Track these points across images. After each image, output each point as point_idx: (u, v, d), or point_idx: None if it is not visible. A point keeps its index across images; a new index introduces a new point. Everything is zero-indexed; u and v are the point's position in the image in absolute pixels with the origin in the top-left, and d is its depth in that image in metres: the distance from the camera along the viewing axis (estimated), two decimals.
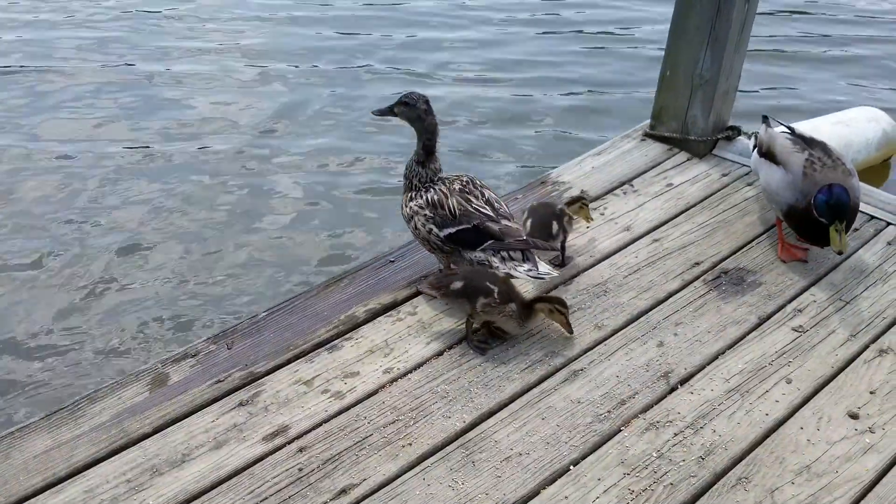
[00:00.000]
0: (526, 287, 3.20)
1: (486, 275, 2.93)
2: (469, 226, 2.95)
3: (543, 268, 2.96)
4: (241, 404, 2.72)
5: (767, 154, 3.44)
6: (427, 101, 3.05)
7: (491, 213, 2.98)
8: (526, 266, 2.93)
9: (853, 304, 3.20)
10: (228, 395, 2.76)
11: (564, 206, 3.34)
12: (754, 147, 3.65)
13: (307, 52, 7.57)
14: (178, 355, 2.91)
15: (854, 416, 2.71)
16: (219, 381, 2.80)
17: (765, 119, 3.67)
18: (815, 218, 3.11)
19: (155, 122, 6.34)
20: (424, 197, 3.04)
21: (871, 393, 2.81)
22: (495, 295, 2.88)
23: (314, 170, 5.79)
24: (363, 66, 7.31)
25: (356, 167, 5.86)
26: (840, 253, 3.10)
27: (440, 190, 3.03)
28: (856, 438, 2.64)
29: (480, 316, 2.94)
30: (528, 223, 3.27)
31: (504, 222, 2.98)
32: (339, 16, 8.37)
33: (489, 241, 2.94)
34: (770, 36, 7.88)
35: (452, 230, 2.97)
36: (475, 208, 2.98)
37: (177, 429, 2.63)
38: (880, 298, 3.23)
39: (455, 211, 2.97)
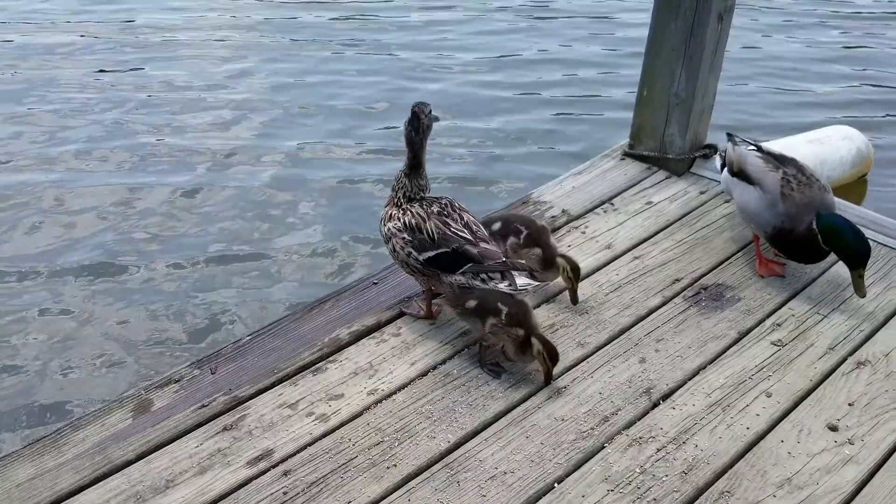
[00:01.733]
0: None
1: (501, 296, 2.94)
2: (448, 250, 2.97)
3: (521, 281, 2.98)
4: (225, 429, 2.72)
5: (739, 173, 3.46)
6: (415, 116, 3.01)
7: (469, 237, 3.00)
8: (504, 283, 2.95)
9: (831, 317, 3.25)
10: (212, 419, 2.76)
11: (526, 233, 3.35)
12: (722, 166, 3.68)
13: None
14: (162, 381, 2.91)
15: (833, 429, 2.74)
16: (203, 406, 2.80)
17: (729, 137, 3.68)
18: (806, 241, 3.19)
19: (132, 144, 6.35)
20: (402, 220, 3.05)
21: (850, 405, 2.84)
22: (503, 316, 2.89)
23: (299, 192, 5.81)
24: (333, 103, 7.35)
25: (345, 186, 5.89)
26: (863, 296, 3.20)
27: (417, 213, 3.04)
28: (835, 450, 2.67)
29: (490, 337, 2.95)
30: (499, 224, 3.35)
31: (483, 245, 3.00)
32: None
33: (468, 265, 2.96)
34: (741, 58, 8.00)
35: (431, 254, 2.98)
36: (453, 232, 3.00)
37: (161, 455, 2.63)
38: (857, 311, 3.27)
39: (433, 235, 2.99)
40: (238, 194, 5.75)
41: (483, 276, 2.96)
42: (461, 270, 2.96)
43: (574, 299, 3.25)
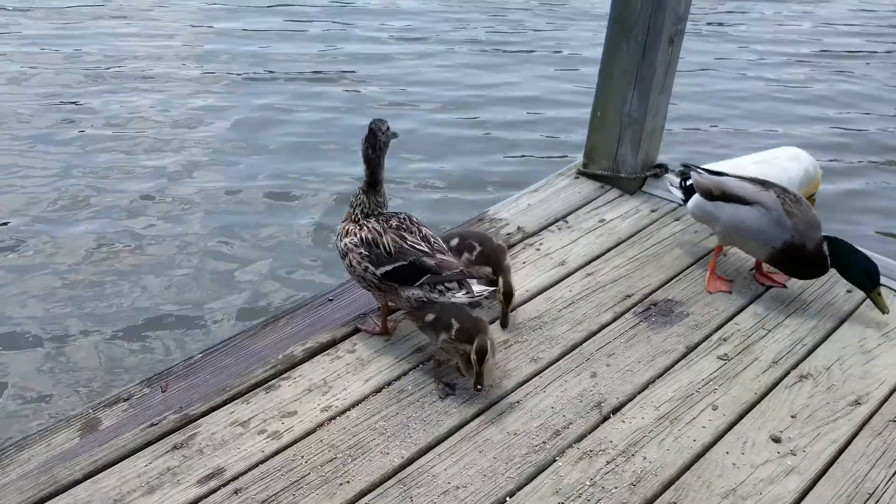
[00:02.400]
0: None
1: (458, 311, 2.96)
2: (405, 262, 2.99)
3: (477, 288, 3.02)
4: (175, 447, 2.71)
5: (725, 197, 3.47)
6: (371, 133, 3.03)
7: (426, 249, 3.03)
8: (462, 292, 2.98)
9: (775, 332, 3.33)
10: (162, 438, 2.74)
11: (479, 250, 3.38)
12: (687, 192, 3.69)
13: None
14: (111, 399, 2.89)
15: (776, 440, 2.81)
16: (152, 425, 2.79)
17: (687, 167, 3.73)
18: (815, 259, 3.32)
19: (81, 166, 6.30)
20: (359, 235, 3.07)
21: (793, 417, 2.91)
22: (453, 332, 2.91)
23: (241, 208, 5.81)
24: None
25: (284, 207, 5.89)
26: (887, 312, 3.37)
27: (374, 228, 3.06)
28: (778, 461, 2.73)
29: (442, 352, 2.98)
30: (456, 240, 3.38)
31: (439, 256, 3.03)
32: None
33: (426, 276, 2.99)
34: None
35: (389, 268, 3.01)
36: (410, 245, 3.02)
37: (109, 474, 2.60)
38: (800, 326, 3.36)
39: (390, 249, 3.01)
40: (192, 207, 5.73)
41: (440, 287, 2.99)
42: (418, 283, 2.99)
43: (504, 323, 3.27)
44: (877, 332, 3.36)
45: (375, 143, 3.04)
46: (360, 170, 3.14)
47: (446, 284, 2.98)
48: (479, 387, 2.86)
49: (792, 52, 9.02)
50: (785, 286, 3.53)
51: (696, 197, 3.61)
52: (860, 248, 3.39)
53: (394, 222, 3.09)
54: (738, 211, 3.42)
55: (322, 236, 5.45)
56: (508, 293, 3.25)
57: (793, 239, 3.31)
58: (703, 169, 3.67)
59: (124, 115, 7.07)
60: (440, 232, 3.35)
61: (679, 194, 3.76)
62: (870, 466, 2.75)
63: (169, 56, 8.29)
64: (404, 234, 3.05)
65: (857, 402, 3.01)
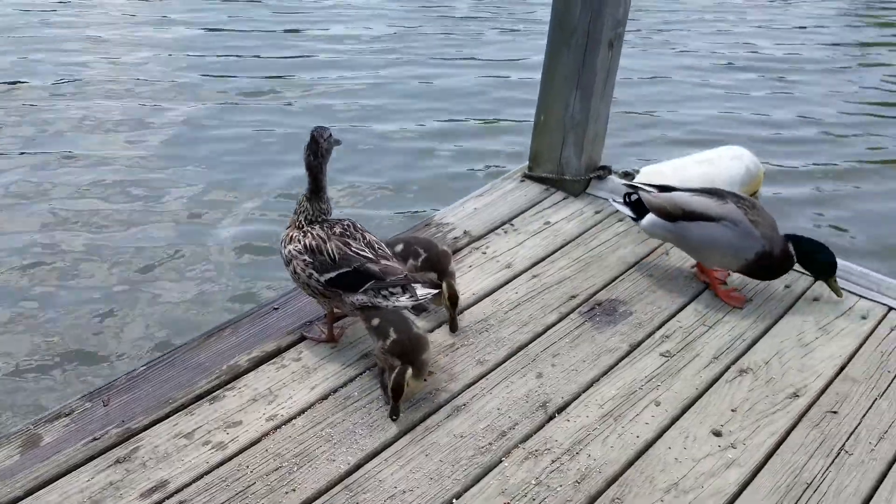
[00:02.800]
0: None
1: (399, 322, 2.95)
2: (349, 269, 3.00)
3: (421, 291, 3.03)
4: (117, 461, 2.68)
5: (687, 216, 3.47)
6: (313, 140, 3.04)
7: (371, 255, 3.03)
8: (406, 296, 2.99)
9: (715, 328, 3.39)
10: (104, 452, 2.71)
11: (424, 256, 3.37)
12: (636, 210, 3.66)
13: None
14: (52, 415, 2.85)
15: (717, 434, 2.86)
16: (95, 440, 2.75)
17: (633, 186, 3.72)
18: (782, 262, 3.42)
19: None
20: (303, 242, 3.06)
21: (733, 411, 2.97)
22: (387, 343, 2.91)
23: (184, 220, 5.76)
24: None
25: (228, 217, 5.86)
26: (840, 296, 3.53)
27: (318, 235, 3.06)
28: (719, 455, 2.78)
29: (378, 360, 3.00)
30: (401, 247, 3.38)
31: (384, 262, 3.03)
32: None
33: (370, 282, 2.99)
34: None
35: (333, 274, 3.00)
36: (354, 251, 3.02)
37: (50, 490, 2.57)
38: (740, 322, 3.42)
39: (334, 255, 3.00)
40: (134, 218, 5.67)
41: (384, 292, 2.99)
42: (363, 289, 2.99)
43: (453, 327, 3.30)
44: (814, 326, 3.44)
45: (317, 151, 3.04)
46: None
47: (390, 289, 2.99)
48: (393, 417, 2.86)
49: (732, 57, 9.19)
50: (742, 308, 3.54)
51: (651, 217, 3.59)
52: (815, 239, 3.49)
53: (338, 229, 3.09)
54: (706, 229, 3.43)
55: (252, 247, 5.41)
56: (454, 297, 3.27)
57: (764, 248, 3.37)
58: (651, 186, 3.66)
59: (42, 125, 6.96)
60: (385, 238, 3.35)
61: (628, 212, 3.72)
62: (808, 457, 2.82)
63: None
64: (348, 240, 3.05)
65: (795, 395, 3.07)
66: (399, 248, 3.39)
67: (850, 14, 10.68)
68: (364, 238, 3.11)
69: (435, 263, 3.33)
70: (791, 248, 3.42)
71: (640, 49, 9.15)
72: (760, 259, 3.39)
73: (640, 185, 3.70)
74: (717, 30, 9.95)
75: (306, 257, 3.04)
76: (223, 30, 9.29)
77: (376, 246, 3.11)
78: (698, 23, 10.14)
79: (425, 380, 3.00)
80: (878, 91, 8.43)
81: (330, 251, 3.02)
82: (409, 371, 2.84)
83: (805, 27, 10.19)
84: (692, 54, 9.21)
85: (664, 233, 3.58)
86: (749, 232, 3.37)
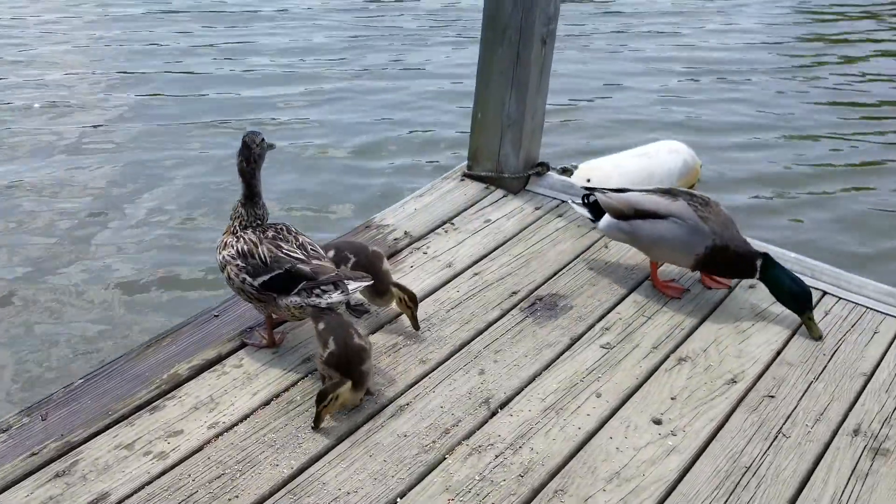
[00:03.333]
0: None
1: (340, 330, 2.92)
2: (281, 271, 2.98)
3: (353, 285, 3.01)
4: (57, 475, 2.63)
5: (639, 214, 3.52)
6: (245, 145, 3.04)
7: (302, 256, 3.02)
8: (338, 292, 2.97)
9: (654, 318, 3.45)
10: (43, 467, 2.66)
11: (355, 260, 3.33)
12: (593, 211, 3.69)
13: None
14: None
15: (657, 422, 2.91)
16: (33, 455, 2.70)
17: (589, 189, 3.75)
18: (741, 261, 3.40)
19: None
20: (235, 247, 3.05)
21: (672, 399, 3.03)
22: (324, 353, 2.90)
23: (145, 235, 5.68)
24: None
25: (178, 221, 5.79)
26: (820, 338, 3.40)
27: (249, 239, 3.04)
28: (660, 442, 2.83)
29: (320, 369, 2.97)
30: (332, 252, 3.33)
31: (315, 262, 3.02)
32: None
33: (302, 283, 2.98)
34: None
35: (266, 278, 2.99)
36: (285, 253, 3.01)
37: None
38: (678, 311, 3.49)
39: (266, 258, 2.99)
40: (49, 226, 5.60)
41: (317, 291, 2.98)
42: (295, 290, 2.98)
43: (416, 325, 3.30)
44: (751, 312, 3.52)
45: (249, 156, 3.03)
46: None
47: (322, 288, 2.98)
48: (313, 425, 2.84)
49: (676, 59, 9.29)
50: (679, 298, 3.58)
51: (608, 218, 3.63)
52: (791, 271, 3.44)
53: (270, 232, 3.08)
54: (656, 226, 3.47)
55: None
56: (412, 297, 3.25)
57: (714, 243, 3.39)
58: (607, 189, 3.71)
59: None
60: (319, 243, 3.34)
61: (586, 213, 3.75)
62: (746, 441, 2.88)
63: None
64: (280, 242, 3.04)
65: (733, 381, 3.14)
66: (330, 254, 3.33)
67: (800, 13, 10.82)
68: (297, 240, 3.10)
69: (366, 267, 3.29)
70: (758, 264, 3.39)
71: (586, 50, 9.22)
72: (710, 253, 3.41)
73: (596, 188, 3.75)
74: (664, 31, 10.04)
75: (239, 262, 3.02)
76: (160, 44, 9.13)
77: (308, 247, 3.10)
78: (646, 24, 10.22)
79: (370, 393, 2.98)
80: (835, 91, 8.52)
81: (261, 254, 3.00)
82: (348, 384, 2.82)
83: (751, 29, 10.30)
84: (639, 54, 9.29)
85: (619, 233, 3.62)
86: (697, 227, 3.39)
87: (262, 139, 3.05)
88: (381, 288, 3.29)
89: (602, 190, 3.70)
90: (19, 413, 2.88)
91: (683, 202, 3.47)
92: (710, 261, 3.45)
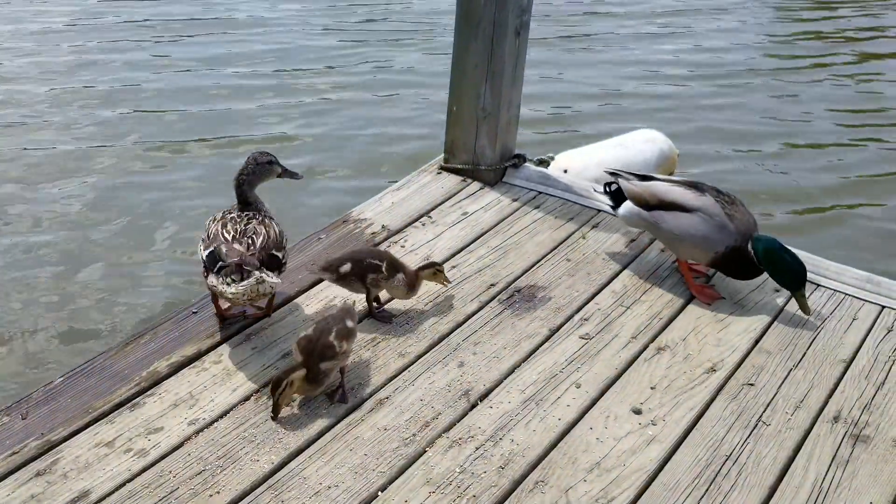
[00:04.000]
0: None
1: (327, 321, 2.97)
2: (212, 249, 3.06)
3: (257, 274, 3.01)
4: (38, 474, 2.62)
5: (663, 206, 3.50)
6: (245, 164, 3.29)
7: (229, 238, 3.09)
8: (246, 280, 2.95)
9: (633, 308, 3.47)
10: (24, 466, 2.65)
11: (385, 263, 3.32)
12: (616, 200, 3.69)
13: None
14: None
15: (637, 412, 2.93)
16: (14, 454, 2.69)
17: (614, 174, 3.73)
18: (750, 258, 3.37)
19: None
20: (207, 223, 3.22)
21: (652, 388, 3.05)
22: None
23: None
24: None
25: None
26: (809, 314, 3.42)
27: (218, 218, 3.20)
28: (640, 432, 2.86)
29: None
30: (349, 266, 3.31)
31: (235, 245, 3.05)
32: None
33: (219, 264, 3.01)
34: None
35: (204, 253, 3.10)
36: (222, 234, 3.10)
37: None
38: (657, 301, 3.51)
39: (209, 235, 3.13)
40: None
41: (233, 277, 2.98)
42: (214, 271, 3.01)
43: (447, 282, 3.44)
44: (729, 301, 3.55)
45: (243, 171, 3.27)
46: None
47: (233, 277, 2.99)
48: (272, 415, 2.85)
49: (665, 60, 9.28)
50: (710, 304, 3.54)
51: (628, 204, 3.62)
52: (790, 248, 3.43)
53: (234, 215, 3.22)
54: (681, 219, 3.45)
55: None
56: (437, 264, 3.39)
57: (736, 243, 3.38)
58: (631, 174, 3.69)
59: None
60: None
61: (607, 200, 3.76)
62: (727, 430, 2.91)
63: None
64: (230, 225, 3.14)
65: (712, 370, 3.17)
66: (346, 267, 3.28)
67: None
68: (247, 226, 3.15)
69: (396, 264, 3.32)
70: (751, 247, 3.38)
71: (563, 47, 9.19)
72: (731, 254, 3.39)
73: (620, 172, 3.73)
74: (654, 32, 10.00)
75: (203, 235, 3.17)
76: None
77: (251, 234, 3.12)
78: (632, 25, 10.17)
79: (343, 401, 2.95)
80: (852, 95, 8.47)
81: (208, 231, 3.15)
82: (302, 372, 2.83)
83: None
84: (627, 52, 9.25)
85: (640, 221, 3.61)
86: (723, 225, 3.38)
87: (269, 160, 3.29)
88: (413, 282, 3.32)
89: (626, 176, 3.68)
90: None
91: (710, 198, 3.45)
92: (726, 260, 3.43)
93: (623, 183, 3.65)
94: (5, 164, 6.35)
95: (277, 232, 3.20)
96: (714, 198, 3.46)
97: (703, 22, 10.00)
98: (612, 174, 3.76)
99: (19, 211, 5.76)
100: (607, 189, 3.77)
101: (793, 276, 3.38)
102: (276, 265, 3.09)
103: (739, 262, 3.43)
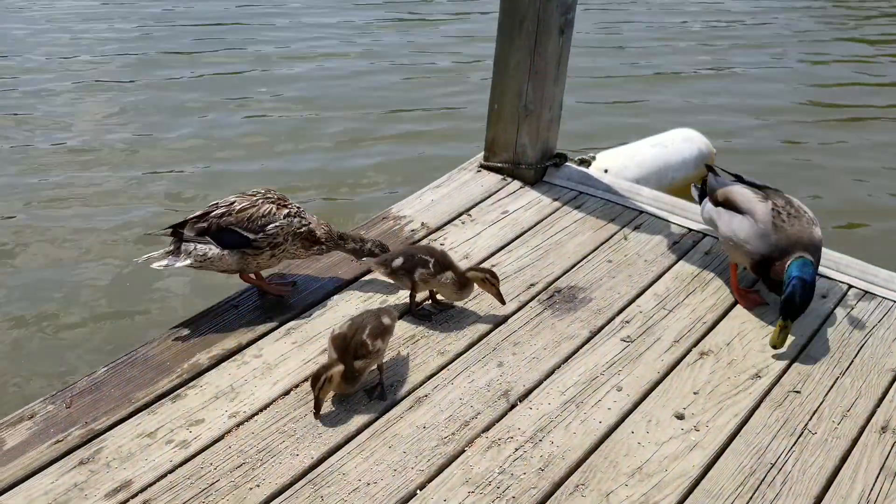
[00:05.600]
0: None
1: (363, 317, 2.98)
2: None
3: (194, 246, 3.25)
4: (81, 462, 2.65)
5: (725, 203, 3.48)
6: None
7: (216, 213, 3.28)
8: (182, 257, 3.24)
9: (675, 311, 3.43)
10: (68, 454, 2.68)
11: (433, 260, 3.32)
12: (702, 196, 3.69)
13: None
14: (14, 418, 2.80)
15: (680, 417, 2.90)
16: (58, 442, 2.72)
17: (710, 168, 3.72)
18: (775, 273, 3.26)
19: None
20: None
21: (695, 393, 3.01)
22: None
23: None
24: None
25: None
26: (775, 347, 3.20)
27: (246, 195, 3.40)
28: (682, 437, 2.82)
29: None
30: (400, 260, 3.33)
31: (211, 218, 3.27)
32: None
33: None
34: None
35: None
36: (220, 206, 3.31)
37: (14, 493, 2.53)
38: (700, 305, 3.47)
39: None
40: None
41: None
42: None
43: (502, 300, 3.31)
44: (774, 306, 3.48)
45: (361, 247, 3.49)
46: None
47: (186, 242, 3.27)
48: (314, 412, 2.85)
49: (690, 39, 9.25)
50: (750, 309, 3.48)
51: (706, 201, 3.60)
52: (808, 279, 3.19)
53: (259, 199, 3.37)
54: (732, 219, 3.42)
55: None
56: (494, 274, 3.30)
57: (770, 254, 3.28)
58: (726, 172, 3.65)
59: None
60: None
61: (695, 194, 3.74)
62: (771, 437, 2.87)
63: None
64: (246, 203, 3.31)
65: (757, 376, 3.12)
66: (398, 261, 3.32)
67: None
68: (254, 206, 3.30)
69: (444, 262, 3.32)
70: (787, 263, 3.23)
71: (602, 44, 9.16)
72: (764, 262, 3.30)
73: (715, 167, 3.71)
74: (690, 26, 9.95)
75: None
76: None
77: (237, 213, 3.27)
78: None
79: (366, 390, 2.96)
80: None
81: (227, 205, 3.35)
82: (340, 368, 2.83)
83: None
84: (658, 45, 9.22)
85: (707, 216, 3.62)
86: (765, 233, 3.29)
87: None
88: (463, 281, 3.31)
89: (717, 172, 3.66)
90: (44, 400, 2.90)
91: (768, 205, 3.34)
92: (759, 269, 3.36)
93: (710, 178, 3.65)
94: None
95: (262, 213, 3.27)
96: (773, 206, 3.35)
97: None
98: (708, 168, 3.75)
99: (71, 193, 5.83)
100: (701, 185, 3.76)
101: (789, 304, 3.15)
102: (233, 241, 3.24)
103: (768, 271, 3.33)
